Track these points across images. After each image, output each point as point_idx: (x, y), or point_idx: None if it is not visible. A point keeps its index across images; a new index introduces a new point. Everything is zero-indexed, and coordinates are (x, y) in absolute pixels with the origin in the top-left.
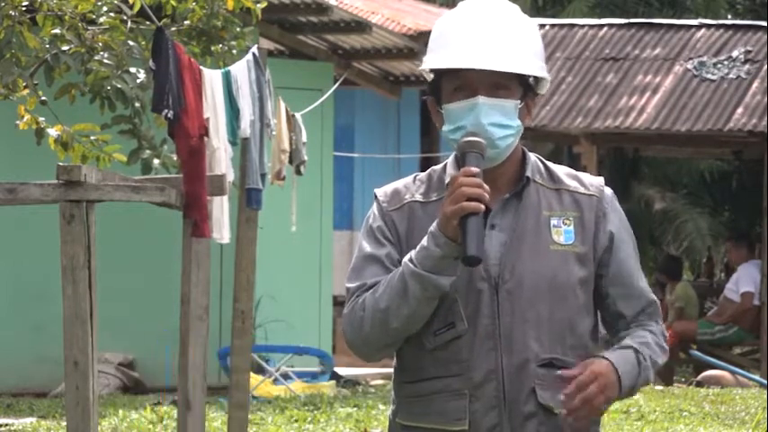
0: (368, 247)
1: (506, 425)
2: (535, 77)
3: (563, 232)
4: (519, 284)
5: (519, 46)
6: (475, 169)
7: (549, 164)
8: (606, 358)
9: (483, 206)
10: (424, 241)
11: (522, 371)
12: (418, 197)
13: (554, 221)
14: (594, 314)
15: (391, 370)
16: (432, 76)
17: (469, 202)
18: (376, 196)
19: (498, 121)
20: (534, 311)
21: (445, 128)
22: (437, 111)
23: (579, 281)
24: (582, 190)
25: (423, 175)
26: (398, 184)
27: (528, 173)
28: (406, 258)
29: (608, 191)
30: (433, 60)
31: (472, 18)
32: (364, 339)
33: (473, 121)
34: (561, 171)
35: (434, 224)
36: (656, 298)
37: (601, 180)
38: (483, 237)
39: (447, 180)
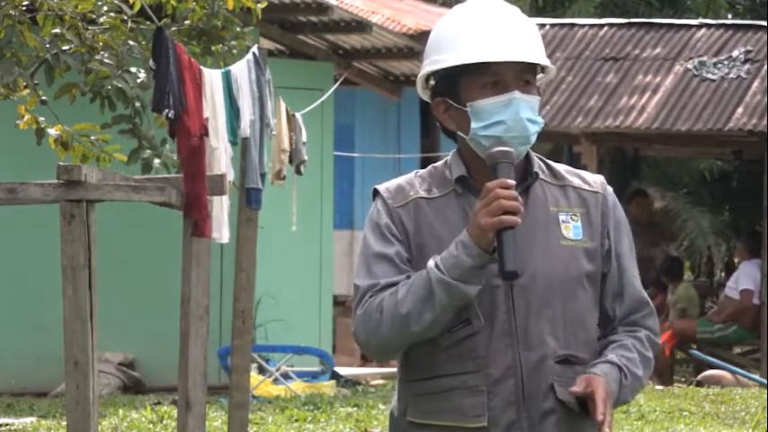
0: (376, 245)
1: (525, 421)
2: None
3: (572, 228)
4: (532, 280)
5: (538, 40)
6: (511, 181)
7: (548, 161)
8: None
9: (519, 220)
10: (453, 249)
11: (541, 367)
12: (422, 193)
13: (562, 217)
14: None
15: (392, 370)
16: (432, 82)
17: (508, 216)
18: (379, 193)
19: (531, 116)
20: (549, 307)
21: (475, 125)
22: (453, 110)
23: (587, 276)
24: (586, 187)
25: (423, 171)
26: (400, 180)
27: (535, 168)
28: (431, 264)
29: (609, 188)
30: (457, 57)
31: (485, 16)
32: (381, 342)
33: (512, 116)
34: (561, 168)
35: (464, 234)
36: (648, 299)
37: (601, 177)
38: (519, 249)
39: (450, 176)
